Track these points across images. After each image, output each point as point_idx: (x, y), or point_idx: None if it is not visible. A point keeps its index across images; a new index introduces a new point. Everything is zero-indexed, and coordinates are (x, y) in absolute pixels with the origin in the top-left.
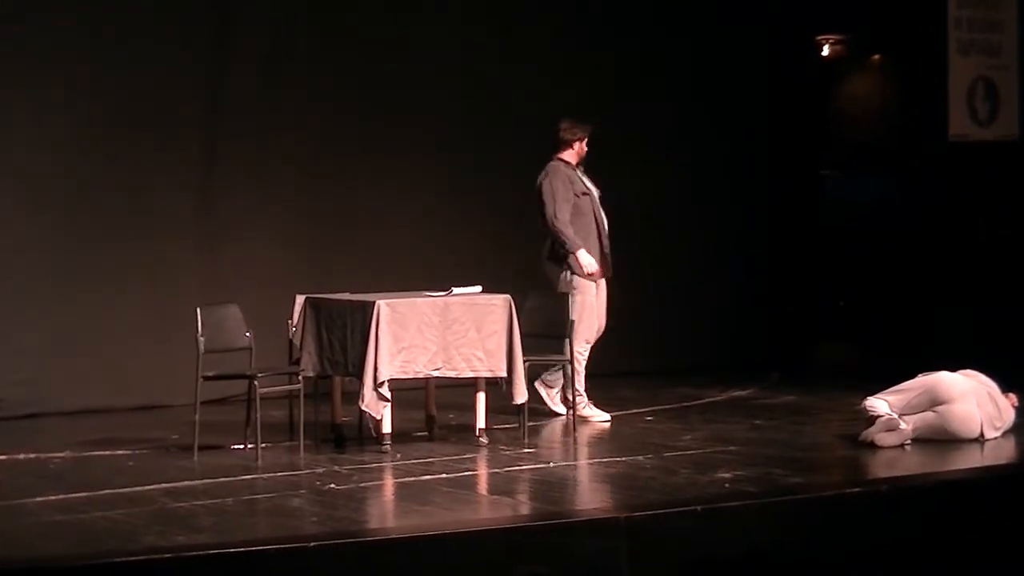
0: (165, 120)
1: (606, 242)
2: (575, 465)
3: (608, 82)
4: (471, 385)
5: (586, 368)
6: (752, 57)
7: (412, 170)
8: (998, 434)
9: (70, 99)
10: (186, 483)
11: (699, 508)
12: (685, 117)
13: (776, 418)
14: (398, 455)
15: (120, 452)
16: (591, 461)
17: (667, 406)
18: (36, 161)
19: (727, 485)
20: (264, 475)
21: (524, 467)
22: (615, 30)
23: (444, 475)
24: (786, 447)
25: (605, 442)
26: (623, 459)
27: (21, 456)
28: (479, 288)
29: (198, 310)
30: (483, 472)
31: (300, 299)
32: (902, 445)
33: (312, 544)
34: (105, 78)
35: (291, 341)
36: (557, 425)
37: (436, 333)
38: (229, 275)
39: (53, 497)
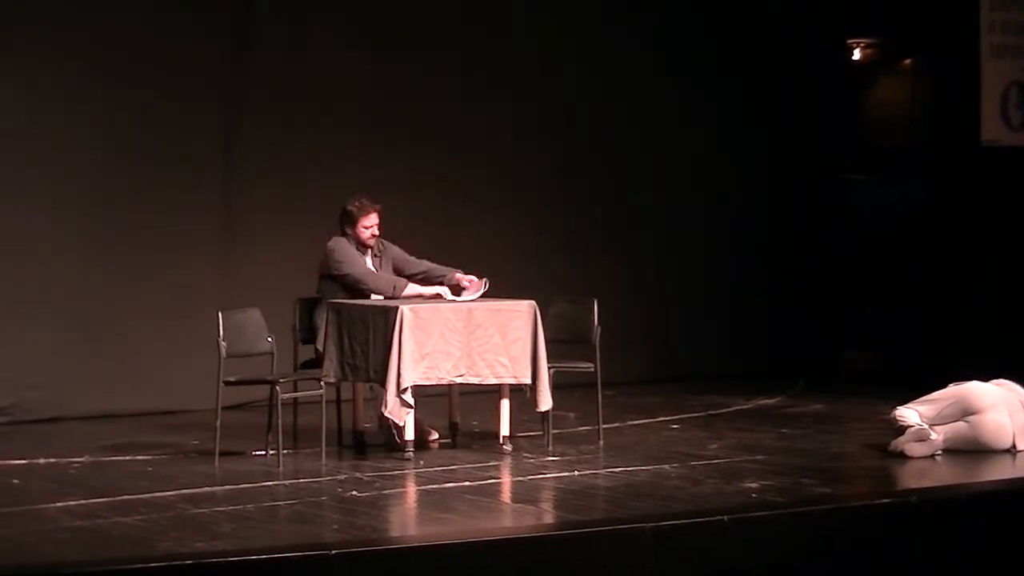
0: (186, 123)
1: None
2: (600, 474)
3: (636, 82)
4: (495, 392)
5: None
6: (783, 60)
7: (437, 172)
8: None
9: (91, 106)
10: (206, 489)
11: (726, 518)
12: (713, 121)
13: (804, 427)
14: (421, 462)
15: (140, 457)
16: (616, 470)
17: (693, 414)
18: (59, 166)
19: (754, 495)
20: (285, 481)
21: (548, 475)
22: (640, 29)
23: (467, 483)
24: (814, 456)
25: (630, 451)
26: (649, 468)
27: (40, 461)
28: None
29: (219, 314)
30: (506, 480)
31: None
32: (932, 455)
33: (333, 552)
34: (127, 79)
35: (295, 347)
36: (582, 433)
37: (460, 339)
38: (251, 279)
39: (72, 502)
